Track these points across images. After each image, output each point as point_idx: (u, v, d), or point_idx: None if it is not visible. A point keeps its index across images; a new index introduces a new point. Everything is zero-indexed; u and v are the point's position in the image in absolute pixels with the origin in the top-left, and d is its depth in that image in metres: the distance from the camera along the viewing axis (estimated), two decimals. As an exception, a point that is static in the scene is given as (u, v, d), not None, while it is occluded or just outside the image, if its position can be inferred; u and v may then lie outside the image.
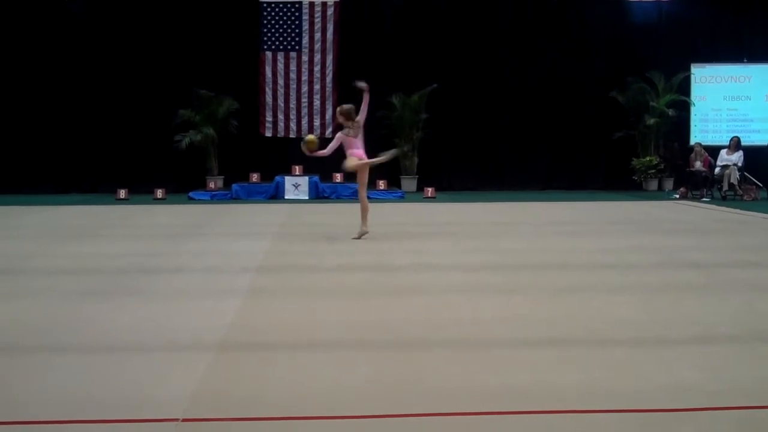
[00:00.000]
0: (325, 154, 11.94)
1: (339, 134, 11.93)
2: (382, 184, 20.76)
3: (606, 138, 22.59)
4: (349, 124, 11.79)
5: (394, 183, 21.66)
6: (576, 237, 12.44)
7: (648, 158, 22.24)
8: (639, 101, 22.37)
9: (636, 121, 22.48)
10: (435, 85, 21.75)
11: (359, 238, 11.96)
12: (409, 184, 22.07)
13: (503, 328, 6.54)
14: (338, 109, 12.21)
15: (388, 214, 16.45)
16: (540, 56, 22.52)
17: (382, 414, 4.54)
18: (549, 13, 22.69)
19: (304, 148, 12.02)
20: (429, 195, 20.29)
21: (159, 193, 19.80)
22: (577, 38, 22.77)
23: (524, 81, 22.53)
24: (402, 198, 20.38)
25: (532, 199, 19.55)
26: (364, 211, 12.11)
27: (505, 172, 22.63)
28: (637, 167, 22.30)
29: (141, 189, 20.26)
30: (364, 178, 12.06)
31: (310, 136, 12.19)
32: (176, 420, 4.43)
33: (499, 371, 5.35)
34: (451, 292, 8.06)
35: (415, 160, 22.25)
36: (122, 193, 19.84)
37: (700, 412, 4.59)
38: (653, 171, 22.24)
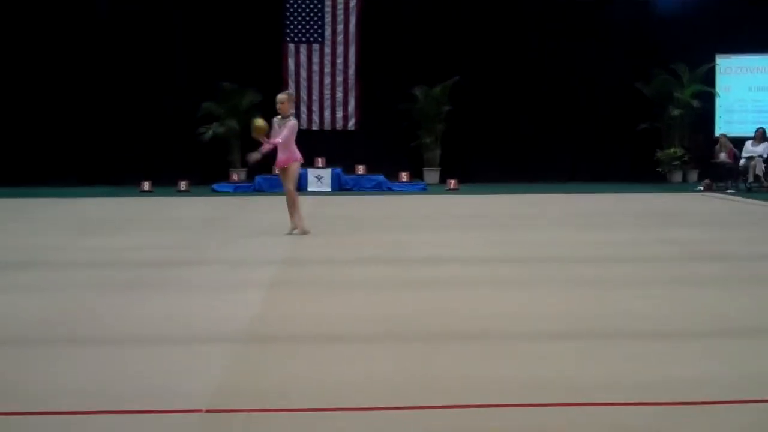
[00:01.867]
0: (275, 144, 11.25)
1: (274, 120, 11.45)
2: (404, 176, 20.75)
3: (630, 129, 22.45)
4: (287, 114, 11.34)
5: (416, 175, 21.65)
6: (599, 229, 12.41)
7: (672, 150, 22.10)
8: (663, 92, 22.21)
9: (660, 112, 22.33)
10: (457, 77, 21.70)
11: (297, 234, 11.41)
12: (431, 176, 22.06)
13: (525, 321, 6.54)
14: (289, 94, 11.84)
15: (411, 206, 16.46)
16: (563, 47, 22.39)
17: (403, 406, 4.56)
18: (573, 3, 22.55)
19: (253, 132, 11.48)
20: (452, 187, 20.27)
21: (183, 185, 19.90)
22: (602, 29, 22.61)
23: (548, 72, 22.42)
24: (424, 190, 20.37)
25: (555, 191, 19.49)
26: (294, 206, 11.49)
27: (528, 163, 22.54)
28: (662, 159, 22.17)
29: (165, 181, 20.36)
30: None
31: (259, 121, 11.58)
32: (200, 411, 4.48)
33: (521, 364, 5.35)
34: (474, 284, 8.06)
35: (438, 152, 22.22)
36: (146, 185, 19.95)
37: (722, 405, 4.57)
38: (678, 163, 22.10)
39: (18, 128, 21.61)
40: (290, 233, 11.39)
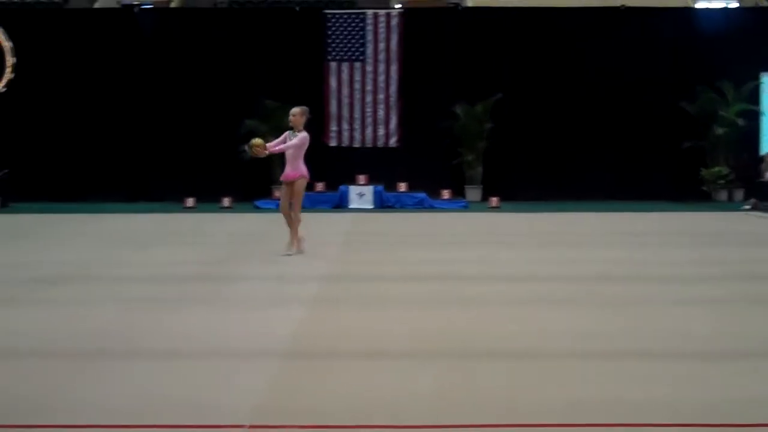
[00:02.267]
0: (278, 151, 11.32)
1: (286, 133, 11.36)
2: (446, 194, 20.73)
3: (674, 148, 22.22)
4: (300, 128, 11.23)
5: (458, 193, 21.61)
6: (643, 248, 12.28)
7: (717, 168, 21.85)
8: (708, 111, 21.97)
9: (705, 130, 22.09)
10: (499, 95, 21.67)
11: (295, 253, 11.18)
12: (473, 193, 22.00)
13: (569, 340, 6.49)
14: (303, 108, 11.50)
15: (453, 223, 16.43)
16: (606, 65, 22.27)
17: (446, 424, 4.55)
18: (615, 21, 22.45)
19: (251, 152, 11.28)
20: (494, 205, 20.20)
21: (226, 201, 20.05)
22: (645, 47, 22.46)
23: (590, 90, 22.30)
24: (466, 208, 20.32)
25: (598, 209, 19.34)
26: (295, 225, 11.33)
27: (570, 181, 22.40)
28: (707, 178, 21.92)
29: (208, 198, 20.53)
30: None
31: (257, 140, 11.43)
32: (243, 426, 4.49)
33: (565, 384, 5.31)
34: (517, 302, 8.02)
35: (480, 169, 22.17)
36: (190, 202, 20.13)
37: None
38: (723, 182, 21.83)
39: (69, 146, 21.96)
40: (288, 253, 11.05)
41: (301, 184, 11.25)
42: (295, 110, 11.35)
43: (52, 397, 5.06)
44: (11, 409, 4.80)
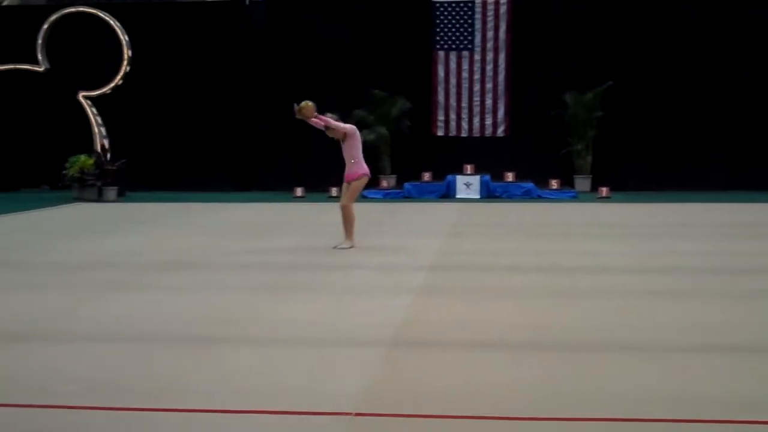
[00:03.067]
0: (327, 123, 10.94)
1: (356, 130, 11.23)
2: (554, 184, 20.47)
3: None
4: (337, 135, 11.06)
5: (567, 182, 21.31)
6: (759, 240, 11.88)
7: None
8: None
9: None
10: (610, 83, 21.24)
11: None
12: (582, 183, 21.64)
13: (679, 334, 6.33)
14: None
15: (561, 214, 16.22)
16: (722, 51, 21.57)
17: (551, 416, 4.50)
18: (732, 6, 21.71)
19: (299, 114, 11.04)
20: (603, 195, 19.83)
21: (334, 191, 20.24)
22: (763, 32, 21.67)
23: (705, 76, 21.63)
24: (575, 198, 20.02)
25: (713, 200, 18.78)
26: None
27: (683, 171, 21.79)
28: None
29: (316, 187, 20.78)
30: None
31: (308, 102, 11.17)
32: (349, 414, 4.54)
33: (674, 377, 5.19)
34: (625, 295, 7.87)
35: (589, 159, 21.79)
36: (299, 191, 20.44)
37: None
38: None
39: (183, 137, 22.59)
40: (339, 246, 10.96)
41: (360, 184, 11.08)
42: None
43: (158, 381, 5.22)
44: (116, 392, 4.97)
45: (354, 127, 11.23)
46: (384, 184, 21.38)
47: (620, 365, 5.48)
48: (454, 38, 22.18)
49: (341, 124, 11.05)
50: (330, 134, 11.20)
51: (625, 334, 6.31)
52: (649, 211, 16.81)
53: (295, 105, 11.13)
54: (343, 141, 11.09)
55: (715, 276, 8.94)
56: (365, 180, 11.16)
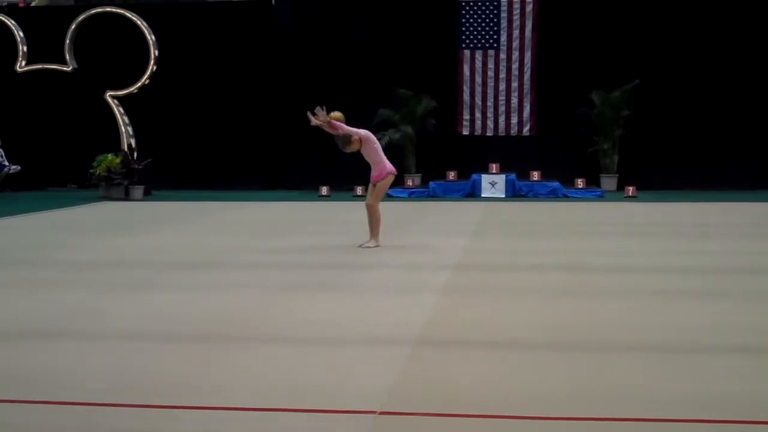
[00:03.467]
0: (340, 131, 10.79)
1: (370, 133, 11.10)
2: (580, 183, 20.39)
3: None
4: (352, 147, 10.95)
5: (593, 181, 21.22)
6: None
7: None
8: None
9: None
10: (637, 81, 21.12)
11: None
12: (608, 182, 21.54)
13: (705, 334, 6.29)
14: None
15: (587, 213, 16.15)
16: (751, 47, 21.37)
17: (576, 416, 4.48)
18: (762, 5, 21.49)
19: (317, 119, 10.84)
20: (630, 194, 19.72)
21: (359, 190, 20.27)
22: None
23: (732, 75, 21.45)
24: (601, 197, 19.92)
25: (740, 199, 18.62)
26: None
27: (711, 170, 21.64)
28: None
29: (342, 186, 20.82)
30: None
31: (337, 113, 11.02)
32: (373, 413, 4.54)
33: (700, 378, 5.15)
34: (651, 294, 7.82)
35: (616, 158, 21.68)
36: (324, 190, 20.48)
37: None
38: None
39: (209, 136, 22.73)
40: (364, 245, 10.99)
41: (386, 184, 11.03)
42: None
43: (181, 379, 5.23)
44: (140, 389, 5.00)
45: (367, 132, 11.08)
46: (409, 183, 21.38)
47: (645, 365, 5.45)
48: (479, 37, 22.14)
49: (353, 129, 10.90)
50: (348, 150, 11.05)
51: (651, 334, 6.27)
52: (676, 210, 16.70)
53: (319, 110, 10.87)
54: (361, 149, 11.04)
55: (740, 276, 8.86)
56: (391, 178, 11.12)
